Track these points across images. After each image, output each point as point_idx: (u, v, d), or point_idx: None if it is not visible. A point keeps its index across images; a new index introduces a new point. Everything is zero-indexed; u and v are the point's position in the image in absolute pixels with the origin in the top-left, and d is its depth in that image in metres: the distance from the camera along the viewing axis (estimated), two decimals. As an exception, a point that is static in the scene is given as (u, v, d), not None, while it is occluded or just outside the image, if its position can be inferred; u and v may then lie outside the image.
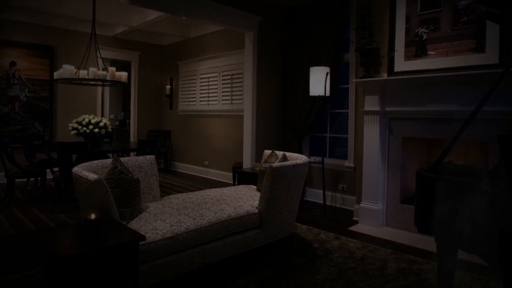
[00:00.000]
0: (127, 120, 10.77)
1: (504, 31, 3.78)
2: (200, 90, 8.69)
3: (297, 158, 4.11)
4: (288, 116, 6.44)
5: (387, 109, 4.78)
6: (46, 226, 4.59)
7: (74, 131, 5.99)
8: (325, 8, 5.85)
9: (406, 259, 3.72)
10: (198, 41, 8.78)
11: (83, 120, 6.00)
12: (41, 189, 5.91)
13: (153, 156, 3.91)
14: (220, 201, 3.62)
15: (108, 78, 5.91)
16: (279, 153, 4.32)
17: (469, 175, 2.49)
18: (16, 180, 5.73)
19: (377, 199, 4.85)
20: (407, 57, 4.59)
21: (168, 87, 9.68)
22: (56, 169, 5.78)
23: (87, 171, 2.99)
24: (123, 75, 6.17)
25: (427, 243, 4.08)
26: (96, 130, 5.97)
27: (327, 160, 6.06)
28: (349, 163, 5.85)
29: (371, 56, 4.82)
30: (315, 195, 6.23)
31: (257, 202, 3.71)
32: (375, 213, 4.82)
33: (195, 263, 3.08)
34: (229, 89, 7.90)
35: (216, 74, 8.24)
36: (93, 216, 2.42)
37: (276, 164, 3.62)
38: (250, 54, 6.33)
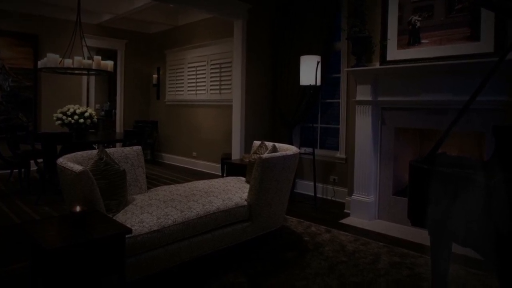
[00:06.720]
0: (113, 110, 10.63)
1: (499, 19, 3.72)
2: (188, 79, 8.56)
3: (287, 149, 4.05)
4: (278, 106, 6.35)
5: (380, 99, 4.71)
6: (30, 219, 4.50)
7: (59, 122, 5.90)
8: (316, -4, 5.75)
9: (398, 252, 3.67)
10: (186, 29, 8.64)
11: (68, 110, 5.91)
12: (25, 181, 5.82)
13: (140, 147, 3.85)
14: (208, 193, 3.55)
15: (93, 67, 5.84)
16: (269, 144, 4.25)
17: (464, 166, 2.44)
18: (-1, 171, 5.61)
19: (369, 191, 4.80)
20: (400, 46, 4.51)
21: (155, 76, 9.54)
22: (40, 160, 5.66)
23: (72, 162, 2.95)
24: (109, 64, 6.09)
25: (420, 236, 4.02)
26: (81, 120, 5.89)
27: (318, 151, 6.00)
28: (340, 154, 5.79)
29: (363, 44, 4.74)
30: (305, 187, 6.17)
31: (246, 194, 3.64)
32: (367, 206, 4.77)
33: (183, 257, 3.03)
34: (218, 79, 7.79)
35: (204, 63, 8.12)
36: (78, 208, 2.40)
37: (265, 155, 3.56)
38: (239, 42, 6.22)
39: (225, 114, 7.56)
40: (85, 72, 6.23)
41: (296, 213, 4.98)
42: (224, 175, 6.20)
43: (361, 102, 4.82)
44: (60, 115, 5.87)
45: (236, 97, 6.32)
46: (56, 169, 3.07)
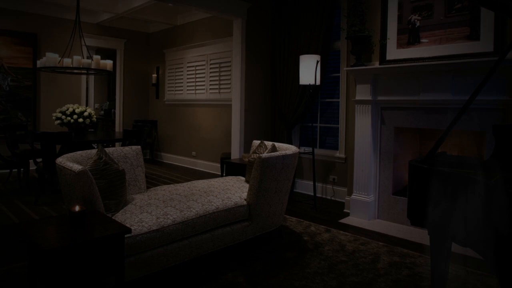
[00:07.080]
0: (112, 110, 10.61)
1: (499, 18, 3.71)
2: (187, 79, 8.55)
3: (287, 148, 4.03)
4: (278, 106, 6.33)
5: (379, 98, 4.70)
6: (29, 219, 4.49)
7: (58, 121, 5.89)
8: (316, -5, 5.74)
9: (398, 252, 3.67)
10: (185, 28, 8.63)
11: (67, 109, 5.90)
12: (24, 180, 5.80)
13: (139, 147, 3.83)
14: (207, 192, 3.54)
15: (92, 67, 5.82)
16: (268, 144, 4.24)
17: (464, 166, 2.44)
18: (-2, 171, 5.60)
19: (368, 191, 4.79)
20: (400, 45, 4.51)
21: (154, 75, 9.52)
22: (39, 160, 5.65)
23: (71, 162, 2.94)
24: (108, 63, 6.07)
25: (420, 235, 4.03)
26: (81, 120, 5.87)
27: (317, 151, 5.99)
28: (340, 153, 5.78)
29: (363, 44, 4.73)
30: (305, 186, 6.16)
31: (246, 193, 3.64)
32: (366, 205, 4.76)
33: (182, 257, 3.02)
34: (217, 78, 7.78)
35: (203, 63, 8.11)
36: (77, 208, 2.39)
37: (265, 154, 3.54)
38: (238, 41, 6.21)
39: (224, 113, 7.55)
40: (84, 71, 6.21)
41: (296, 213, 4.97)
42: (224, 174, 6.20)
43: (361, 102, 4.81)
44: (59, 115, 5.86)
45: (235, 96, 6.30)
46: (55, 169, 3.06)
